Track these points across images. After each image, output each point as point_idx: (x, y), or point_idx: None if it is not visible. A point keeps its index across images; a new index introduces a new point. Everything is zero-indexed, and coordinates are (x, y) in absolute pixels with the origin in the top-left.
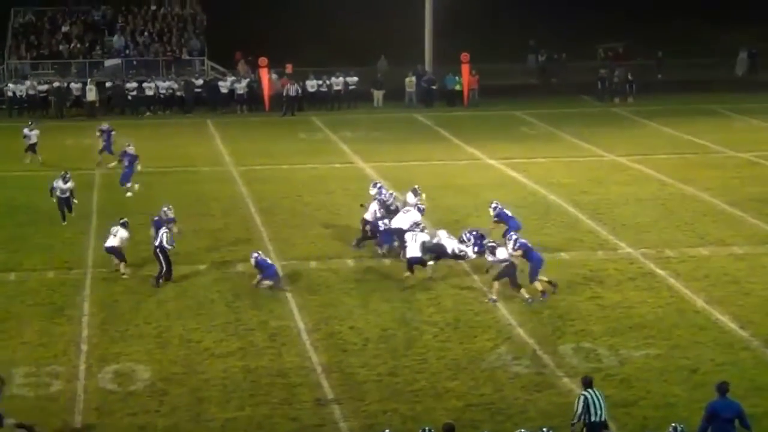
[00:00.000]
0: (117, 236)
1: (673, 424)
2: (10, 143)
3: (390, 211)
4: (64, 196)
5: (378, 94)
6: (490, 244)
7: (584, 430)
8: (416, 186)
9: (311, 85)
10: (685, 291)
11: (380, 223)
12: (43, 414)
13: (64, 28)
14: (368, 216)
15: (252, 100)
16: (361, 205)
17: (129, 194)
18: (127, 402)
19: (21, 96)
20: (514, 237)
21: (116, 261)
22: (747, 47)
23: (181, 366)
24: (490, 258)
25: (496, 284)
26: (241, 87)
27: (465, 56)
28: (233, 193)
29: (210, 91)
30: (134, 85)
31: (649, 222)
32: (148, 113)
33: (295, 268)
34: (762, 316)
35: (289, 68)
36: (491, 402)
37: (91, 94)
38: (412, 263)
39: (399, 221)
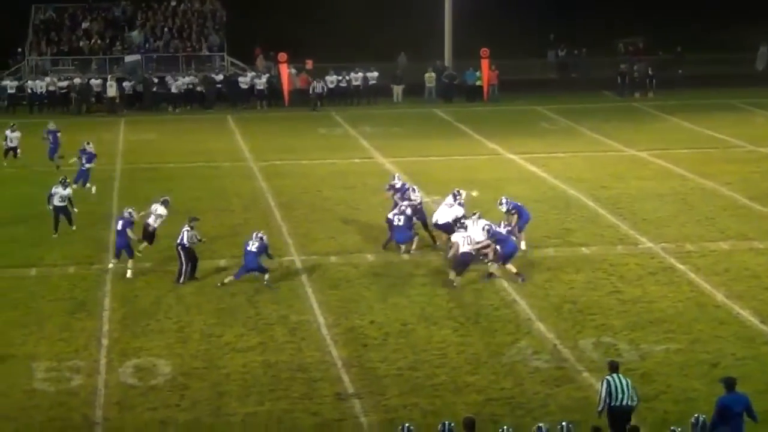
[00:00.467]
0: (156, 213)
1: (696, 416)
2: (31, 139)
3: (411, 205)
4: (62, 204)
5: (397, 90)
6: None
7: (605, 414)
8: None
9: (331, 80)
10: (706, 285)
11: (395, 216)
12: (64, 408)
13: (84, 25)
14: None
15: (272, 95)
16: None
17: (93, 191)
18: (147, 396)
19: (41, 92)
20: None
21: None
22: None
23: (202, 361)
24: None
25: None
26: (261, 83)
27: (485, 51)
28: (253, 189)
29: (230, 87)
30: (155, 80)
31: (669, 216)
32: (170, 109)
33: (315, 263)
34: None
35: (309, 64)
36: (511, 396)
37: (112, 90)
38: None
39: (442, 215)
